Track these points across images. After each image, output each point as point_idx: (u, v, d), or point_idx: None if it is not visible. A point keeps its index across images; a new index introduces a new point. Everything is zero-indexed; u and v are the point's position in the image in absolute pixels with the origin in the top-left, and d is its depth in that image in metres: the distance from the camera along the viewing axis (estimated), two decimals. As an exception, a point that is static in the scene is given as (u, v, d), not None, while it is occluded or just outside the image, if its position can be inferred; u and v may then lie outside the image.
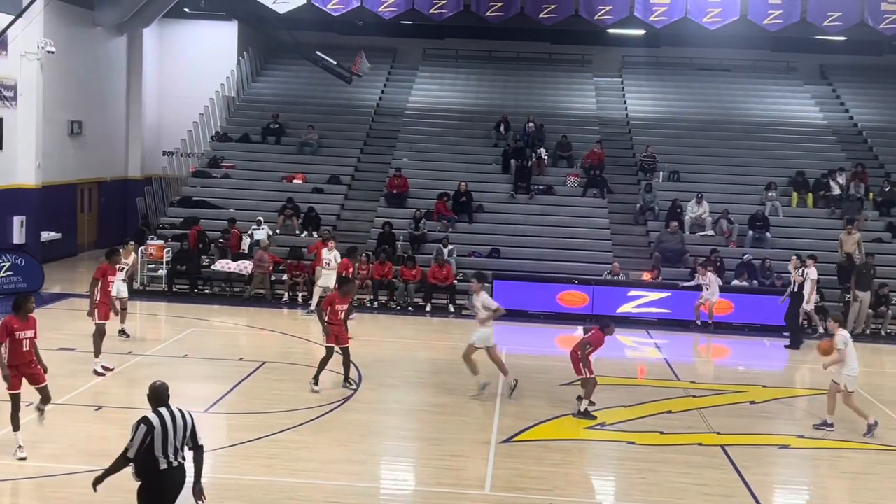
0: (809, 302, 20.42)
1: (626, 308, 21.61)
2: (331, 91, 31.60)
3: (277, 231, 24.78)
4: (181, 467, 7.96)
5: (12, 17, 21.95)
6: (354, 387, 14.89)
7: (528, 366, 16.78)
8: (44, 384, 11.34)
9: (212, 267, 22.96)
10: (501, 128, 29.36)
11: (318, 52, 29.40)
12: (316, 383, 14.58)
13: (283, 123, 29.72)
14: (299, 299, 22.33)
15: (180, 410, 8.01)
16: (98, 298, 15.06)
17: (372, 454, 12.30)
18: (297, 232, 24.90)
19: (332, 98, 31.63)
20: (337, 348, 14.82)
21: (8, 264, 21.41)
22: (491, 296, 21.52)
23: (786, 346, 19.97)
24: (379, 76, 33.06)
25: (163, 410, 7.94)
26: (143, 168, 31.41)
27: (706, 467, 12.05)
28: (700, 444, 12.96)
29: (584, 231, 25.34)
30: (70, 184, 27.49)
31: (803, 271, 20.01)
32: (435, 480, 11.22)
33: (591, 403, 14.14)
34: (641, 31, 30.61)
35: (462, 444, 12.49)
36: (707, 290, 21.06)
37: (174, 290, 22.65)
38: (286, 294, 22.44)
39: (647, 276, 22.64)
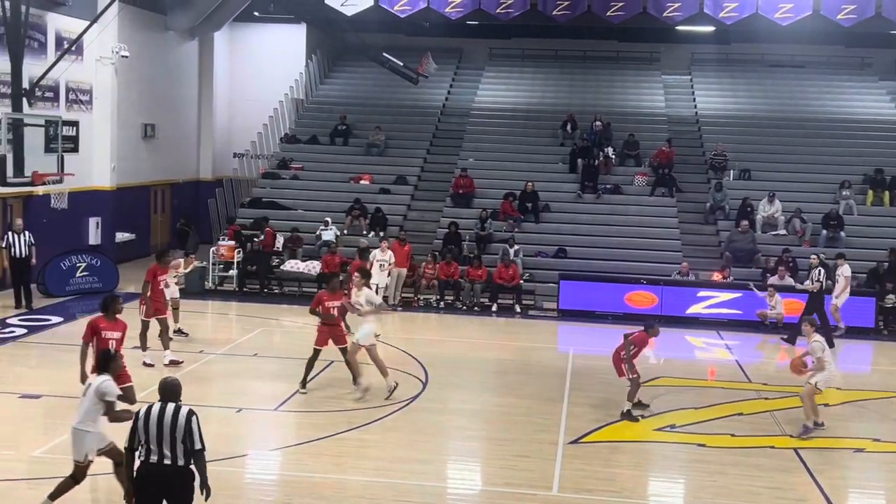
0: (840, 297, 20.04)
1: (696, 309, 21.31)
2: (397, 92, 31.78)
3: (345, 231, 25.01)
4: (167, 467, 7.87)
5: (88, 23, 22.51)
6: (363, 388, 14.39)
7: (595, 367, 16.65)
8: (129, 384, 11.40)
9: (281, 267, 23.26)
10: (568, 127, 29.21)
11: (384, 54, 29.61)
12: (303, 386, 14.36)
13: (350, 125, 29.98)
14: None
15: (176, 411, 7.95)
16: (148, 296, 15.71)
17: (439, 454, 12.34)
18: (365, 232, 25.09)
19: (398, 99, 31.81)
20: (337, 349, 14.54)
21: (84, 264, 21.96)
22: (558, 296, 21.67)
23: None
24: (445, 76, 33.17)
25: (157, 405, 8.03)
26: (214, 170, 31.97)
27: (778, 471, 11.83)
28: (772, 448, 12.72)
29: (653, 231, 25.07)
30: (143, 186, 28.11)
31: (820, 271, 19.57)
32: (502, 481, 11.21)
33: (639, 405, 13.87)
34: (711, 28, 30.17)
35: (529, 444, 12.46)
36: (772, 309, 20.66)
37: (245, 289, 22.98)
38: (381, 289, 22.58)
39: (717, 277, 22.31)
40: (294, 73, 32.21)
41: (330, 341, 14.43)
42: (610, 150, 27.82)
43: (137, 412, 8.04)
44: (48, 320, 19.02)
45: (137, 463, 8.07)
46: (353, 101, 32.02)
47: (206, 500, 8.11)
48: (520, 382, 15.77)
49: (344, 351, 14.48)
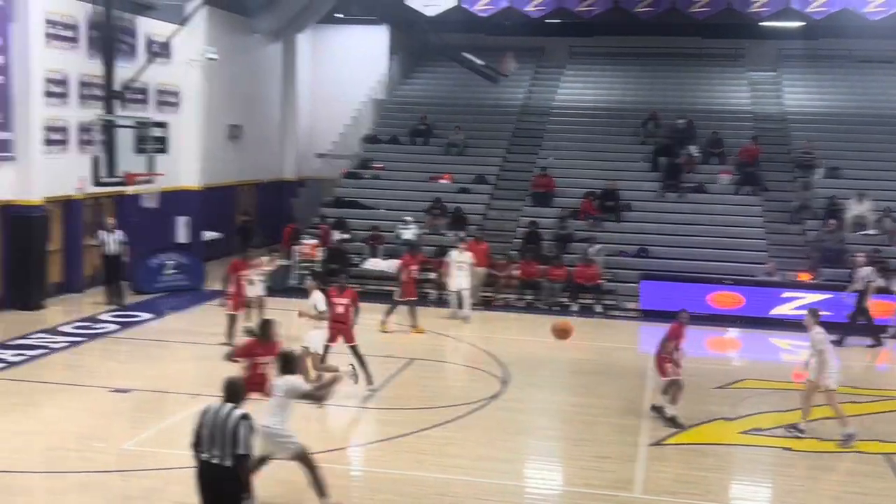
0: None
1: (782, 310, 20.85)
2: (477, 92, 31.82)
3: (425, 231, 25.15)
4: (216, 467, 7.91)
5: (176, 27, 23.09)
6: (374, 387, 14.40)
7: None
8: None
9: (362, 266, 23.52)
10: (650, 125, 28.88)
11: (465, 54, 29.68)
12: (369, 382, 14.35)
13: (430, 124, 30.14)
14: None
15: (230, 413, 7.97)
16: (230, 291, 16.34)
17: (519, 453, 12.34)
18: (444, 232, 25.20)
19: (478, 99, 31.85)
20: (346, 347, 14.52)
21: (173, 262, 22.53)
22: (639, 296, 21.45)
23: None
24: (525, 75, 33.09)
25: (216, 404, 8.08)
26: (297, 170, 32.46)
27: (867, 476, 11.54)
28: (860, 452, 12.41)
29: (737, 230, 24.61)
30: (229, 185, 28.70)
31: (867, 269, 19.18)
32: (582, 481, 11.16)
33: (661, 411, 13.35)
34: (798, 24, 29.48)
35: (610, 445, 12.38)
36: None
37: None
38: (434, 292, 22.74)
39: (804, 277, 21.80)
40: (375, 73, 32.51)
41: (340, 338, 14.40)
42: (693, 149, 27.41)
43: (202, 409, 8.12)
44: (138, 317, 19.58)
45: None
46: (433, 101, 32.16)
47: None
48: (600, 383, 15.67)
49: (354, 349, 14.44)
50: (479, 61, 29.61)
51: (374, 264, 23.27)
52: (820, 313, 13.47)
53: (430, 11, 22.16)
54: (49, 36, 20.12)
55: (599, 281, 22.15)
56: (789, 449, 12.46)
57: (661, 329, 19.72)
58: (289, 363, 9.78)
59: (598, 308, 21.85)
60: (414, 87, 33.86)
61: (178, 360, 14.15)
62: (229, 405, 8.04)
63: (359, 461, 11.83)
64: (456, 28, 30.01)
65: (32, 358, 15.85)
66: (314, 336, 14.10)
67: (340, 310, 14.45)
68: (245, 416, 7.97)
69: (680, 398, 13.33)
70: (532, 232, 24.08)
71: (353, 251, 24.28)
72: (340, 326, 14.42)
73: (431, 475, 11.05)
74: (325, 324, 14.17)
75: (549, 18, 27.80)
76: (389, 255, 23.74)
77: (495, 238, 24.59)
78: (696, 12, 24.05)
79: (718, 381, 15.77)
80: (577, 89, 32.79)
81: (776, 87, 31.93)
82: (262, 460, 9.55)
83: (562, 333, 14.24)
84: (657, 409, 13.52)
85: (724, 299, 21.21)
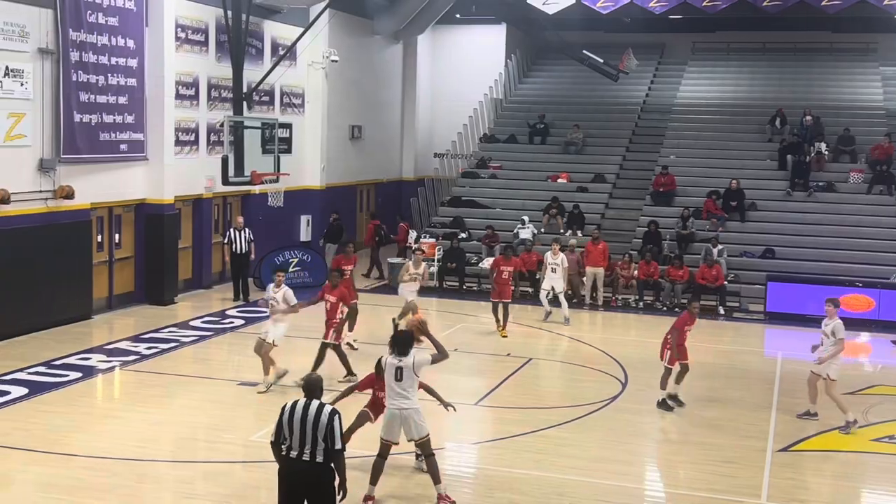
0: None
1: (917, 314, 19.95)
2: (596, 89, 31.52)
3: (542, 230, 25.05)
4: (306, 463, 7.86)
5: (301, 30, 23.64)
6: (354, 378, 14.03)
7: (807, 372, 15.88)
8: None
9: (479, 265, 23.59)
10: (777, 122, 28.03)
11: (584, 51, 29.43)
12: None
13: (548, 123, 30.00)
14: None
15: (320, 408, 7.94)
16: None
17: (639, 455, 12.16)
18: (562, 231, 25.04)
19: (597, 96, 31.53)
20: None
21: (297, 260, 23.06)
22: (765, 298, 20.83)
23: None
24: (646, 72, 32.60)
25: (301, 401, 8.03)
26: (416, 170, 32.81)
27: None
28: None
29: (869, 230, 23.66)
30: (350, 185, 29.22)
31: None
32: (706, 486, 10.89)
33: (673, 397, 13.83)
34: (936, 15, 28.10)
35: (735, 450, 12.06)
36: None
37: (444, 286, 23.44)
38: (550, 292, 22.59)
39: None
40: (494, 72, 32.55)
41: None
42: (822, 146, 26.46)
43: (283, 407, 8.11)
44: (263, 312, 20.03)
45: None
46: (551, 100, 32.01)
47: (341, 500, 8.14)
48: (724, 386, 15.30)
49: (323, 347, 14.29)
50: (598, 59, 29.32)
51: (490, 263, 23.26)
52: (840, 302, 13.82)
53: (551, 9, 22.04)
54: (180, 40, 20.90)
55: (723, 282, 21.62)
56: (926, 459, 11.92)
57: (787, 332, 19.28)
58: (406, 342, 9.81)
59: (721, 310, 21.33)
60: (532, 86, 33.78)
61: (300, 355, 14.46)
62: (315, 402, 8.01)
63: (476, 460, 11.86)
64: (575, 26, 29.80)
65: (164, 351, 16.49)
66: (280, 329, 14.12)
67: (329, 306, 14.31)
68: (335, 412, 7.99)
69: (681, 380, 13.83)
70: (652, 231, 23.69)
71: (470, 250, 24.38)
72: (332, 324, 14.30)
73: (549, 475, 10.99)
74: (287, 319, 14.25)
75: (672, 14, 27.28)
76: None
77: (614, 238, 24.30)
78: (826, 6, 23.20)
79: (848, 387, 15.16)
80: (700, 86, 32.12)
81: (912, 82, 30.56)
82: (388, 446, 9.79)
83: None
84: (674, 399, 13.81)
85: (854, 302, 20.39)
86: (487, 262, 23.42)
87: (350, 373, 14.25)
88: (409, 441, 9.95)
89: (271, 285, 14.53)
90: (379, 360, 10.08)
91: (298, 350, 15.35)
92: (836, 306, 13.58)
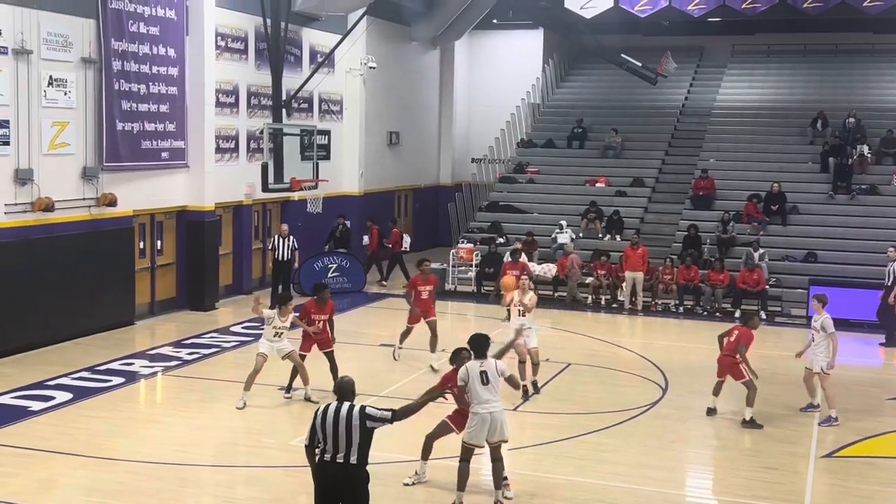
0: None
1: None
2: (635, 93, 31.35)
3: (580, 234, 24.95)
4: (340, 466, 7.84)
5: (339, 37, 23.78)
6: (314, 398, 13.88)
7: (850, 377, 15.70)
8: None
9: (518, 270, 23.54)
10: (818, 124, 27.70)
11: (622, 55, 29.29)
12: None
13: (586, 127, 29.90)
14: (602, 302, 22.40)
15: (350, 410, 7.91)
16: (411, 303, 16.04)
17: (681, 461, 12.06)
18: (601, 235, 24.93)
19: (635, 100, 31.37)
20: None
21: (335, 265, 23.18)
22: (807, 302, 20.53)
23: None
24: (685, 76, 32.38)
25: (333, 403, 8.01)
26: (453, 175, 32.84)
27: None
28: None
29: (915, 234, 23.30)
30: (388, 191, 29.32)
31: (893, 264, 18.61)
32: (749, 493, 10.78)
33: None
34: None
35: (778, 456, 11.93)
36: None
37: (482, 291, 23.43)
38: (590, 297, 22.53)
39: None
40: (531, 77, 32.51)
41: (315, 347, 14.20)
42: (865, 148, 26.10)
43: (316, 410, 8.11)
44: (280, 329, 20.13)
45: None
46: (589, 104, 31.90)
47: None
48: (766, 392, 15.04)
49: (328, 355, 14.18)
50: (636, 62, 29.17)
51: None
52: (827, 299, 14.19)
53: (588, 13, 21.97)
54: (220, 48, 21.11)
55: (765, 286, 21.39)
56: (975, 466, 11.70)
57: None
58: (482, 344, 9.94)
59: (763, 315, 21.09)
60: (570, 90, 33.69)
61: (341, 360, 14.52)
62: (346, 404, 8.01)
63: (517, 465, 11.80)
64: (613, 29, 29.67)
65: (205, 356, 16.65)
66: (265, 344, 13.91)
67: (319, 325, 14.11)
68: (364, 407, 8.00)
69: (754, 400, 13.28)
70: (692, 235, 23.50)
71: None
72: (319, 337, 14.15)
73: (590, 481, 10.94)
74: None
75: (711, 17, 27.07)
76: (544, 260, 23.68)
77: (653, 242, 24.16)
78: (868, 6, 22.91)
79: (893, 392, 14.96)
80: (740, 89, 31.84)
81: (957, 82, 30.06)
82: (471, 450, 9.91)
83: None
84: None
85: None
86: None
87: (290, 388, 14.13)
88: (491, 444, 9.93)
89: (275, 312, 13.93)
90: (459, 369, 10.02)
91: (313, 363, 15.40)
92: (824, 303, 13.96)
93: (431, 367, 15.61)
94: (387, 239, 24.96)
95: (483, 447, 10.03)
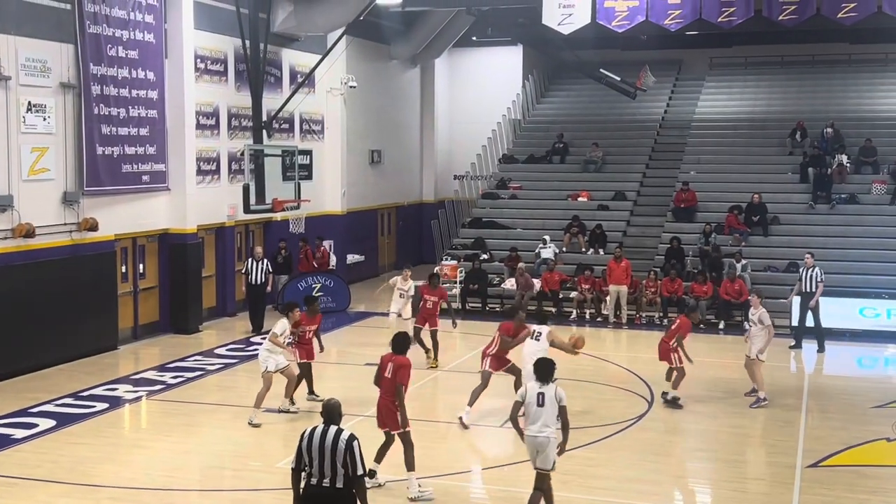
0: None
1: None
2: (615, 107, 31.53)
3: (563, 249, 25.01)
4: (326, 490, 7.75)
5: (319, 57, 23.83)
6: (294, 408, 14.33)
7: (835, 386, 15.78)
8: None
9: (502, 286, 23.59)
10: (797, 135, 27.91)
11: (601, 70, 29.46)
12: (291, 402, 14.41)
13: (567, 142, 30.03)
14: (587, 316, 22.43)
15: (337, 434, 7.83)
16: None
17: (668, 474, 12.06)
18: (584, 249, 25.00)
19: (616, 114, 31.55)
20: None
21: (319, 285, 23.12)
22: (790, 312, 20.63)
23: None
24: (664, 89, 32.58)
25: (319, 426, 7.93)
26: (436, 192, 32.89)
27: None
28: None
29: (894, 241, 23.46)
30: (371, 209, 29.32)
31: (810, 271, 19.29)
32: (736, 504, 10.81)
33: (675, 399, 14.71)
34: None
35: (764, 466, 11.98)
36: None
37: (467, 307, 23.43)
38: (574, 311, 22.56)
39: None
40: (511, 93, 32.66)
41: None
42: (844, 158, 26.31)
43: (302, 433, 8.01)
44: (288, 339, 20.08)
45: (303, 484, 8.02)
46: (569, 119, 32.06)
47: None
48: (749, 400, 15.15)
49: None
50: (615, 77, 29.33)
51: (512, 284, 23.29)
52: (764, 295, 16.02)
53: (566, 29, 21.97)
54: (199, 70, 21.11)
55: (747, 297, 21.43)
56: (960, 472, 11.76)
57: (814, 346, 19.10)
58: (548, 369, 9.99)
59: (747, 325, 21.10)
60: (550, 106, 33.85)
61: (326, 380, 14.49)
62: (333, 427, 7.93)
63: (503, 481, 11.80)
64: (591, 45, 29.84)
65: (189, 380, 16.56)
66: (270, 358, 13.99)
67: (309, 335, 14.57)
68: (354, 437, 7.88)
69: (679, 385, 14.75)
70: (674, 248, 23.60)
71: (493, 271, 24.38)
72: (306, 348, 14.56)
73: (577, 496, 10.92)
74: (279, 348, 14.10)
75: (688, 31, 27.21)
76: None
77: (636, 255, 24.25)
78: (843, 18, 23.01)
79: (877, 400, 15.05)
80: (719, 101, 32.08)
81: (933, 91, 30.37)
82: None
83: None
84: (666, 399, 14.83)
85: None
86: (510, 283, 23.46)
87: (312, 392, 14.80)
88: (535, 468, 9.82)
89: (284, 321, 14.15)
90: (521, 388, 10.16)
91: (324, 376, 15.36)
92: (761, 296, 15.59)
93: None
94: (312, 253, 23.66)
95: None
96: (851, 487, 11.25)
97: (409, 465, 10.75)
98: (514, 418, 9.99)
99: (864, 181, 25.88)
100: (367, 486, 10.40)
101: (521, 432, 9.88)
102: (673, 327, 15.08)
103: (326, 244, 24.79)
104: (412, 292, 18.72)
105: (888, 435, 13.13)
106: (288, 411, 14.18)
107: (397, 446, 10.83)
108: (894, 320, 20.21)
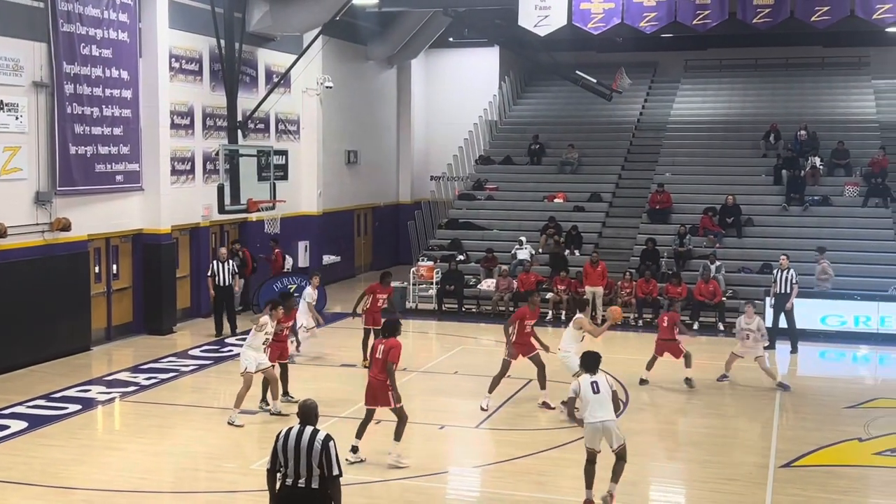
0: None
1: (916, 326, 19.95)
2: (591, 109, 31.64)
3: (540, 250, 25.07)
4: (302, 490, 7.72)
5: (295, 57, 23.75)
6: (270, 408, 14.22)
7: (808, 387, 15.92)
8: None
9: (478, 287, 23.61)
10: (771, 137, 28.13)
11: (577, 72, 29.54)
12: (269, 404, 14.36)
13: (543, 144, 30.10)
14: (562, 317, 22.48)
15: (313, 435, 7.79)
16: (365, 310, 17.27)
17: (642, 475, 12.07)
18: (566, 252, 25.01)
19: (592, 116, 31.66)
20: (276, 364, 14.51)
21: (295, 286, 22.98)
22: (764, 314, 20.79)
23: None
24: (639, 91, 32.73)
25: (295, 427, 7.90)
26: (413, 193, 32.87)
27: None
28: None
29: (866, 244, 23.69)
30: (347, 210, 29.26)
31: (785, 273, 19.48)
32: (709, 504, 10.87)
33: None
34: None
35: (738, 467, 12.03)
36: None
37: (443, 309, 23.42)
38: (550, 312, 22.60)
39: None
40: (488, 95, 32.68)
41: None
42: (817, 160, 26.54)
43: (277, 433, 7.98)
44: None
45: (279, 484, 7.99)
46: (546, 120, 32.13)
47: None
48: (725, 403, 15.27)
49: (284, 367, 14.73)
50: (591, 79, 29.42)
51: (489, 285, 23.32)
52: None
53: (542, 31, 22.04)
54: (174, 70, 20.98)
55: (721, 298, 21.62)
56: (930, 472, 11.89)
57: (787, 347, 19.23)
58: (594, 361, 10.63)
59: (721, 326, 21.32)
60: (526, 107, 33.90)
61: (301, 381, 14.44)
62: (309, 428, 7.89)
63: (479, 483, 11.81)
64: (567, 46, 29.90)
65: (163, 381, 16.45)
66: (252, 357, 13.94)
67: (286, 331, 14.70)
68: (329, 437, 7.84)
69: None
70: (649, 249, 23.71)
71: (469, 272, 24.40)
72: (280, 345, 14.56)
73: (552, 497, 10.96)
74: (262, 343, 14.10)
75: (663, 33, 27.35)
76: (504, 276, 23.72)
77: (612, 256, 24.34)
78: (816, 21, 23.21)
79: (850, 401, 15.19)
80: (694, 103, 32.27)
81: (904, 95, 30.69)
82: (594, 452, 10.47)
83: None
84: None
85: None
86: (486, 284, 23.49)
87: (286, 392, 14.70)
88: (612, 450, 10.41)
89: (268, 317, 14.02)
90: (573, 384, 10.71)
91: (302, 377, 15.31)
92: (755, 307, 16.52)
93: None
94: (266, 257, 23.30)
95: (600, 451, 10.46)
96: (824, 487, 11.34)
97: (398, 436, 11.63)
98: (571, 412, 11.23)
99: (837, 183, 26.11)
100: (351, 460, 10.60)
101: (579, 422, 10.72)
102: (664, 325, 16.16)
103: (302, 245, 24.78)
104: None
105: (860, 435, 13.25)
106: (280, 413, 13.96)
107: (377, 430, 10.86)
108: (867, 323, 20.35)
